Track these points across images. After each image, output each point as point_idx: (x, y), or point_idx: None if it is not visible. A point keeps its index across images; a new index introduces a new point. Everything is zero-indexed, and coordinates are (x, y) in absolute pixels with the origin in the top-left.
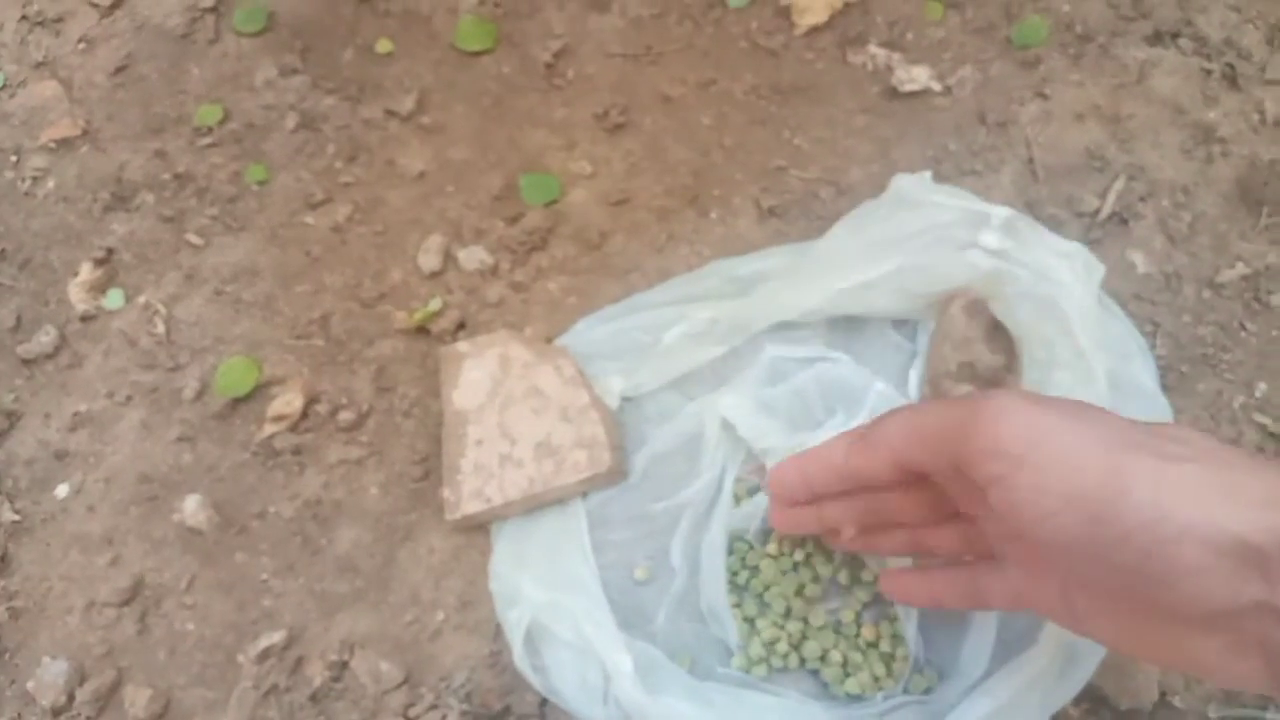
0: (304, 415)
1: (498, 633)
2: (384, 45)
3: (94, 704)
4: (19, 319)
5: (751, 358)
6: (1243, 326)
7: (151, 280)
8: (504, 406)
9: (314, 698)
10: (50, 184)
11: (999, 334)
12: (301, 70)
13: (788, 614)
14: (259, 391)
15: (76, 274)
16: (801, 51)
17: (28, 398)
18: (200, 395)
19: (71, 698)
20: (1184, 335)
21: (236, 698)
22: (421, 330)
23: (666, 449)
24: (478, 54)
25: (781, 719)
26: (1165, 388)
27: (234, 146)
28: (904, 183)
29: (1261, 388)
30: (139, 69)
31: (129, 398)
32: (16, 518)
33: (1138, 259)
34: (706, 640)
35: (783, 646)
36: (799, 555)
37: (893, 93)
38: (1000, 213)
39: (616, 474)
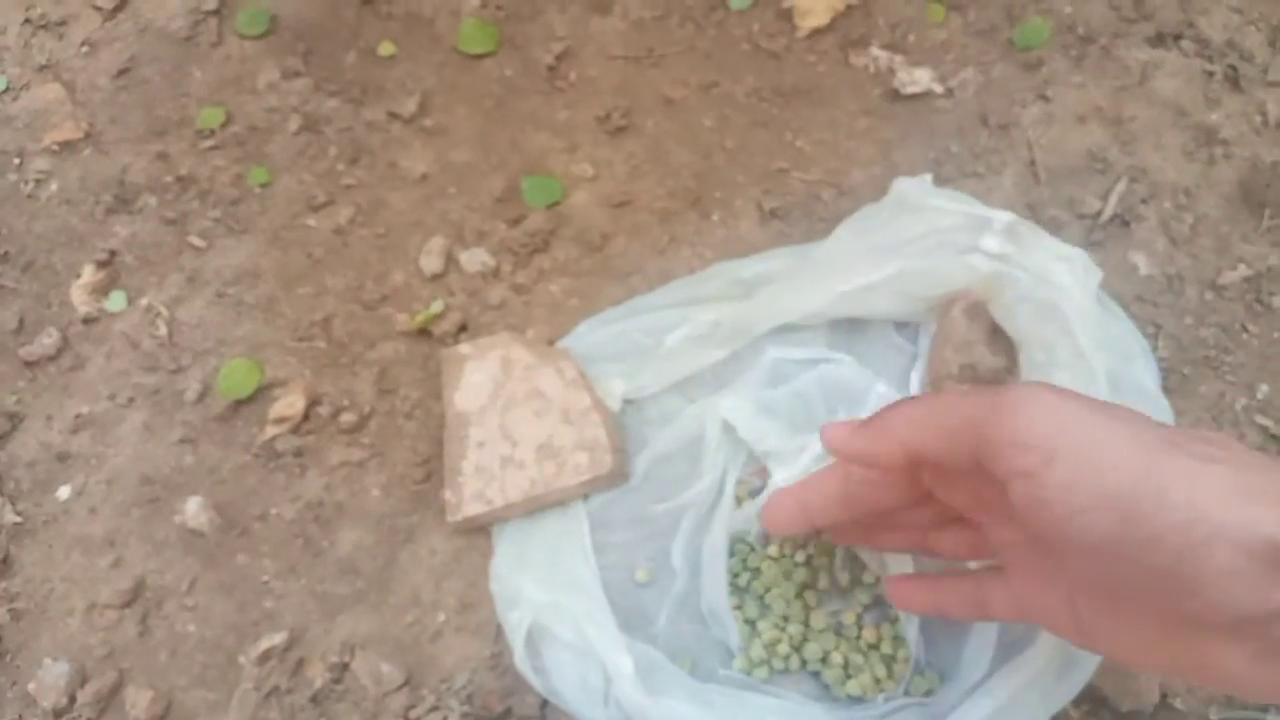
0: (306, 417)
1: (499, 634)
2: (386, 48)
3: (95, 705)
4: (21, 321)
5: (753, 359)
6: (1244, 328)
7: (154, 282)
8: (505, 408)
9: (315, 699)
10: (53, 186)
11: (1000, 336)
12: (304, 73)
13: (789, 616)
14: (261, 393)
15: (79, 276)
16: (803, 54)
17: (30, 399)
18: (202, 397)
19: (73, 699)
20: (1186, 337)
21: (237, 699)
22: (423, 332)
23: (668, 451)
24: (480, 56)
25: None
26: (1167, 390)
27: (236, 149)
28: (905, 186)
29: (1263, 389)
30: (142, 72)
31: (131, 400)
32: (18, 519)
33: (1140, 261)
34: (707, 642)
35: (784, 648)
36: (800, 557)
37: (894, 95)
38: (1001, 217)
39: (618, 476)
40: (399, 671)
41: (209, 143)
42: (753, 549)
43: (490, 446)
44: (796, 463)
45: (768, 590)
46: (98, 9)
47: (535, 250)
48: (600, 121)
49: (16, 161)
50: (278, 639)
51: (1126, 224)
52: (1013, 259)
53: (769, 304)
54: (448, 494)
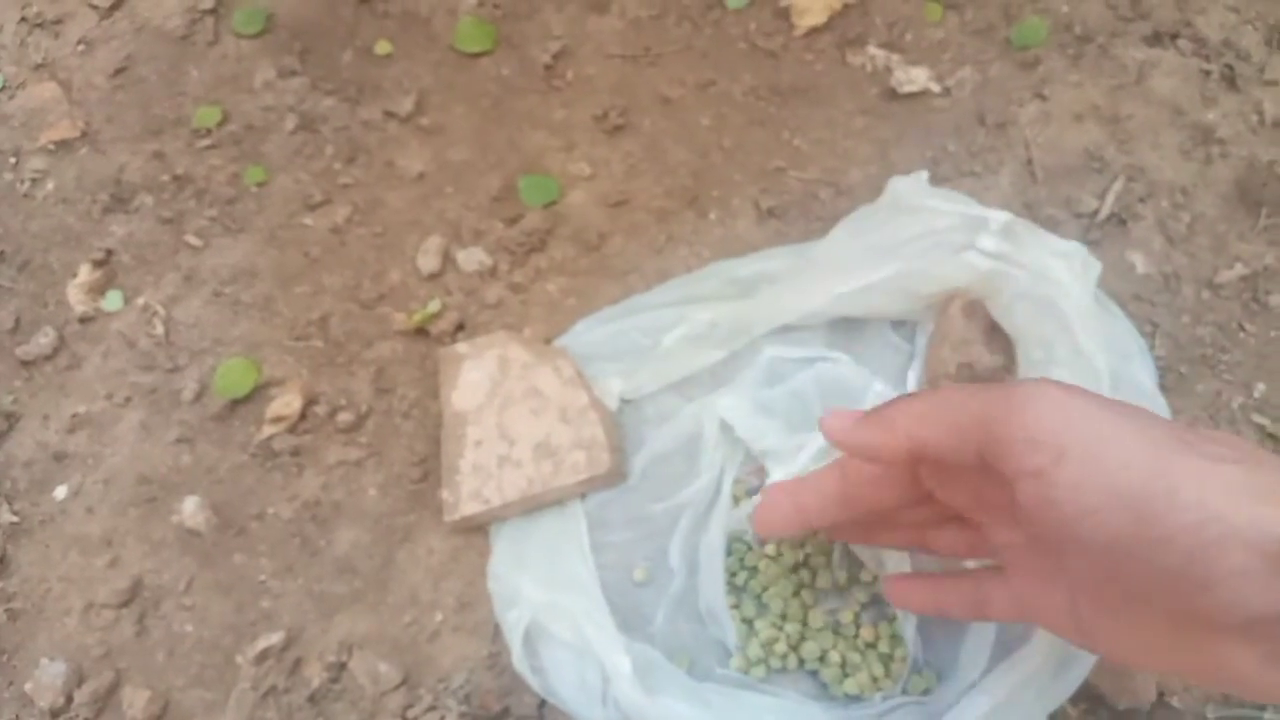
0: (303, 416)
1: (496, 634)
2: (383, 47)
3: (92, 705)
4: (18, 320)
5: (750, 359)
6: (1241, 327)
7: (150, 282)
8: (503, 407)
9: (312, 699)
10: (49, 185)
11: (997, 335)
12: (300, 72)
13: (786, 615)
14: (258, 393)
15: (75, 275)
16: (800, 53)
17: (26, 399)
18: (199, 397)
19: (70, 699)
20: (1183, 336)
21: (235, 699)
22: (420, 331)
23: (665, 450)
24: (477, 55)
25: None
26: (1164, 388)
27: (233, 148)
28: (901, 185)
29: (1260, 388)
30: (138, 71)
31: (128, 399)
32: (15, 519)
33: (1137, 259)
34: (705, 641)
35: (781, 647)
36: (798, 556)
37: (892, 94)
38: (998, 217)
39: (615, 475)
40: (396, 671)
41: (205, 142)
42: (750, 548)
43: (487, 446)
44: (794, 461)
45: (765, 589)
46: (94, 8)
47: (532, 249)
48: (597, 120)
49: (12, 160)
50: (275, 639)
51: (1124, 223)
52: (1010, 257)
53: (766, 303)
54: (445, 493)
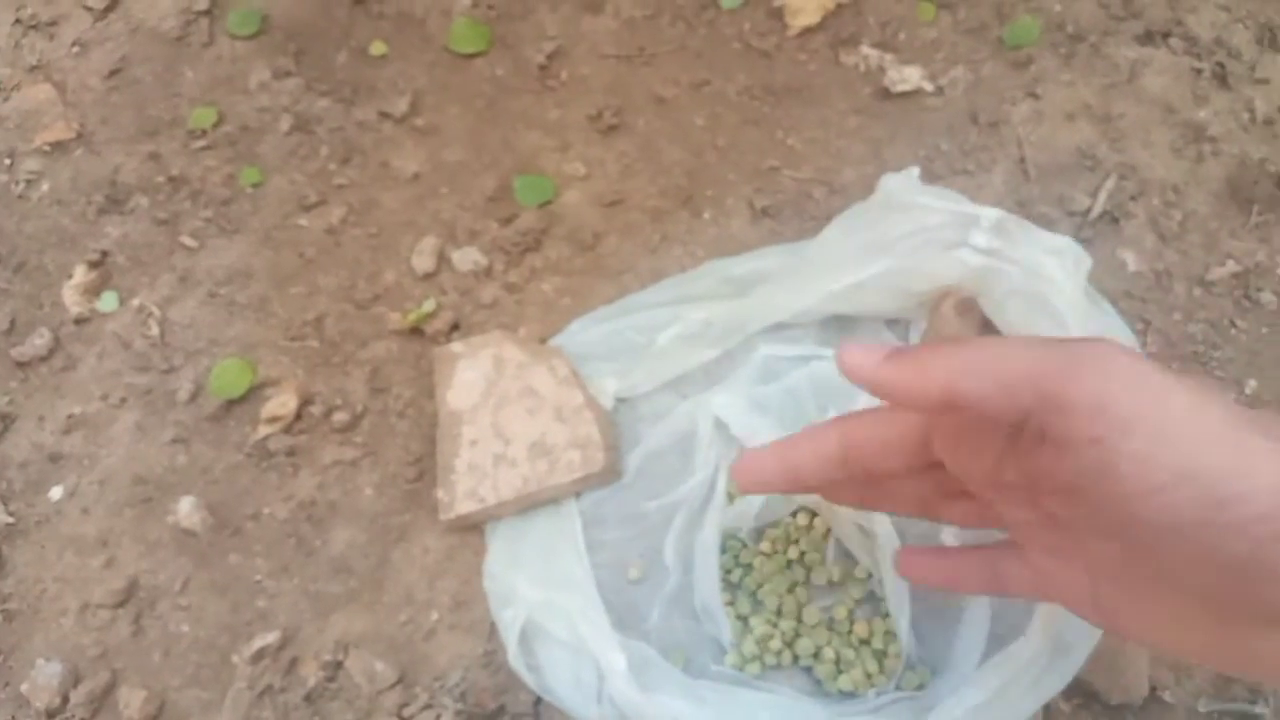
0: (298, 416)
1: (492, 632)
2: (378, 47)
3: (88, 706)
4: (13, 322)
5: (744, 357)
6: (1233, 324)
7: (146, 282)
8: (498, 407)
9: (308, 698)
10: (44, 187)
11: (990, 331)
12: (295, 73)
13: (781, 611)
14: (253, 393)
15: (70, 276)
16: (794, 52)
17: (22, 400)
18: (194, 397)
19: (66, 700)
20: (1175, 333)
21: (231, 698)
22: (415, 331)
23: (660, 448)
24: (471, 56)
25: (775, 716)
26: None
27: (228, 149)
28: (892, 182)
29: (1252, 384)
30: (133, 72)
31: (123, 400)
32: (11, 520)
33: (1129, 257)
34: (700, 638)
35: (776, 644)
36: (792, 553)
37: (885, 93)
38: (989, 214)
39: (610, 473)
40: (392, 670)
41: (200, 143)
42: (745, 545)
43: (483, 445)
44: None
45: (760, 586)
46: (89, 9)
47: (527, 249)
48: (592, 120)
49: (7, 162)
50: (271, 638)
51: (1116, 221)
52: (1002, 254)
53: (760, 302)
54: (440, 492)
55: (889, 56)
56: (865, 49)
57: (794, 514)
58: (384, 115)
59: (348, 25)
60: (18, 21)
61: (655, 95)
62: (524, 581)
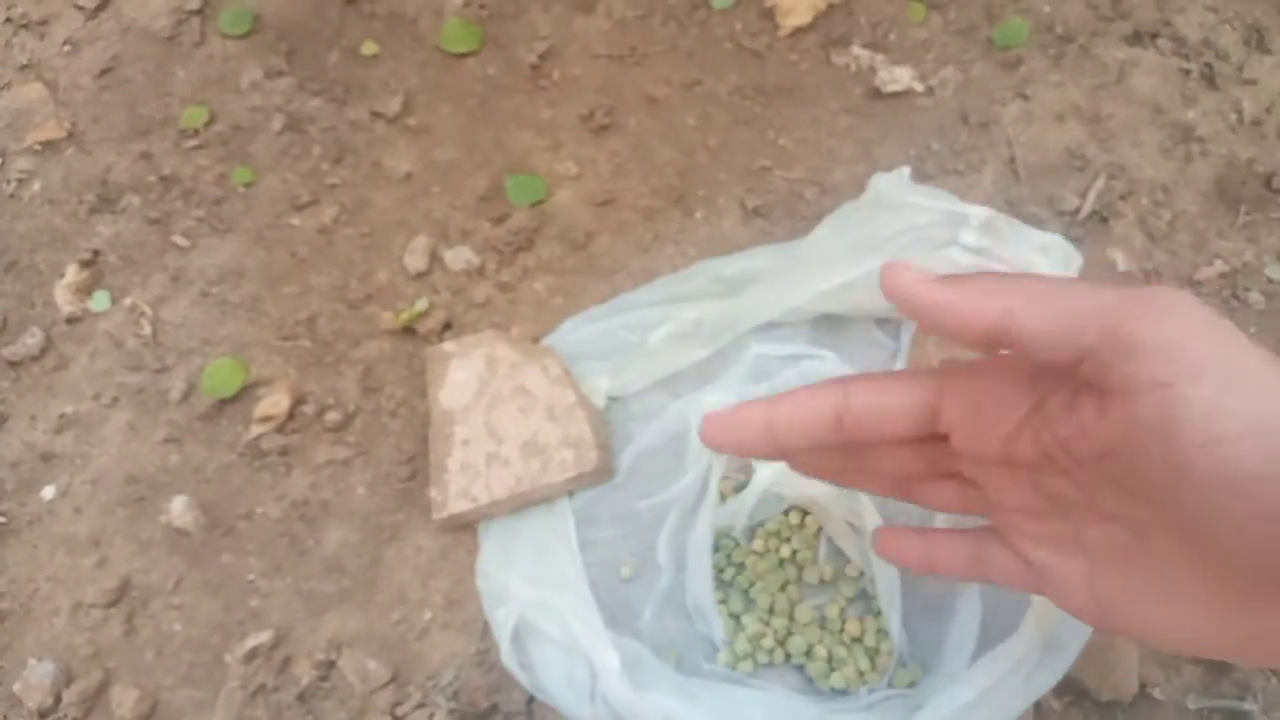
0: (290, 416)
1: (485, 631)
2: (369, 47)
3: (81, 705)
4: (4, 321)
5: (736, 356)
6: None
7: (138, 282)
8: (491, 406)
9: (301, 697)
10: (36, 186)
11: None
12: (287, 72)
13: (773, 610)
14: (245, 392)
15: (62, 276)
16: (785, 52)
17: (14, 400)
18: (187, 396)
19: (58, 699)
20: None
21: (224, 698)
22: (408, 331)
23: (652, 447)
24: (463, 55)
25: (766, 714)
26: None
27: (220, 148)
28: (883, 181)
29: None
30: (124, 71)
31: (115, 399)
32: (3, 520)
33: (1118, 257)
34: (692, 636)
35: (768, 642)
36: (784, 551)
37: (876, 93)
38: (978, 213)
39: (603, 472)
40: (385, 669)
41: (192, 142)
42: (737, 544)
43: (475, 444)
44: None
45: (752, 585)
46: (80, 8)
47: (519, 248)
48: (584, 120)
49: None
50: (264, 637)
51: (1105, 220)
52: (991, 252)
53: (752, 302)
54: (433, 492)
55: (880, 57)
56: (856, 49)
57: (786, 513)
58: (376, 115)
59: (339, 25)
60: (8, 20)
61: (647, 95)
62: (517, 580)
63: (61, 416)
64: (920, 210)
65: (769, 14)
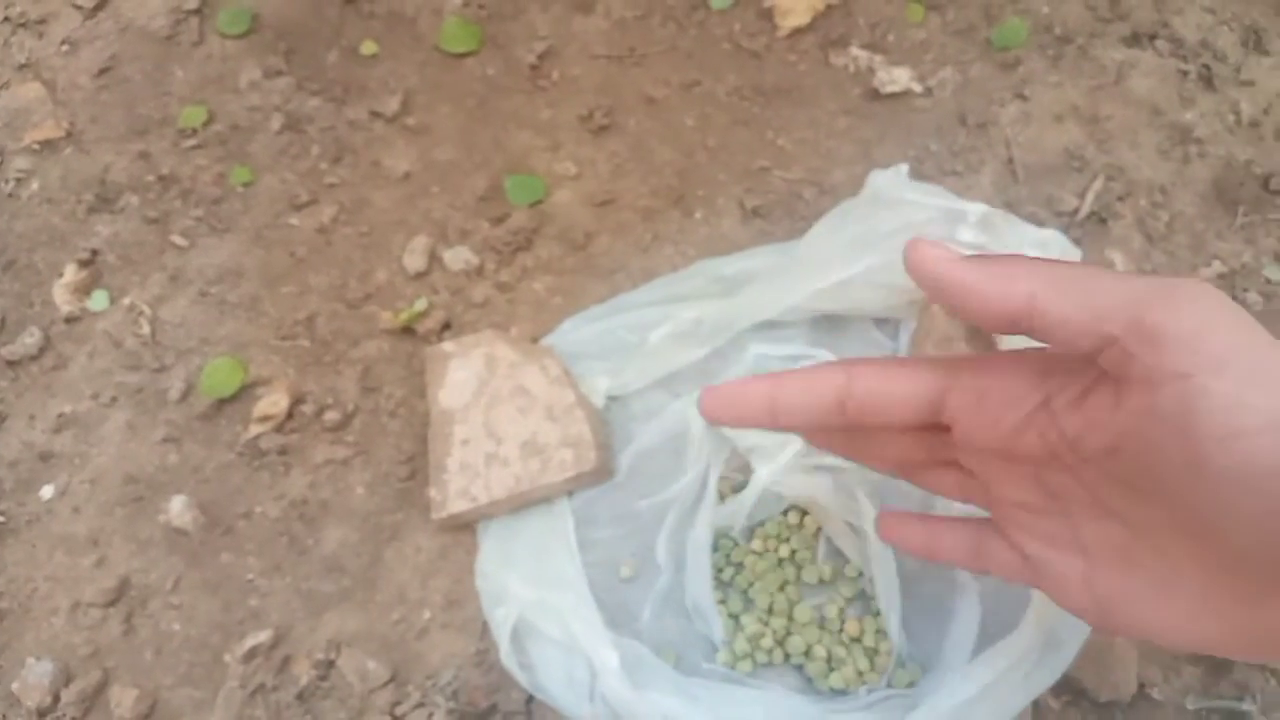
0: (289, 415)
1: (484, 631)
2: (368, 47)
3: (80, 705)
4: (3, 321)
5: (736, 356)
6: None
7: (136, 281)
8: (490, 406)
9: (301, 697)
10: (34, 186)
11: (980, 331)
12: (286, 72)
13: (772, 610)
14: (244, 392)
15: (61, 275)
16: (784, 53)
17: (12, 399)
18: (185, 396)
19: (57, 699)
20: None
21: (223, 697)
22: (407, 330)
23: (652, 447)
24: (462, 55)
25: (766, 713)
26: None
27: (218, 148)
28: (880, 179)
29: None
30: (123, 70)
31: (114, 399)
32: (1, 519)
33: (1116, 258)
34: (692, 636)
35: (767, 642)
36: (783, 551)
37: (874, 94)
38: (976, 209)
39: (602, 472)
40: (385, 668)
41: (191, 142)
42: (736, 544)
43: (475, 444)
44: (779, 458)
45: (751, 584)
46: (78, 8)
47: (518, 248)
48: (583, 120)
49: None
50: (263, 637)
51: (1103, 221)
52: (989, 249)
53: (751, 301)
54: (432, 491)
55: (878, 57)
56: (855, 50)
57: (785, 512)
58: (375, 114)
59: (338, 24)
60: (6, 19)
61: (646, 95)
62: (516, 580)
63: (60, 416)
64: (918, 207)
65: (767, 14)
